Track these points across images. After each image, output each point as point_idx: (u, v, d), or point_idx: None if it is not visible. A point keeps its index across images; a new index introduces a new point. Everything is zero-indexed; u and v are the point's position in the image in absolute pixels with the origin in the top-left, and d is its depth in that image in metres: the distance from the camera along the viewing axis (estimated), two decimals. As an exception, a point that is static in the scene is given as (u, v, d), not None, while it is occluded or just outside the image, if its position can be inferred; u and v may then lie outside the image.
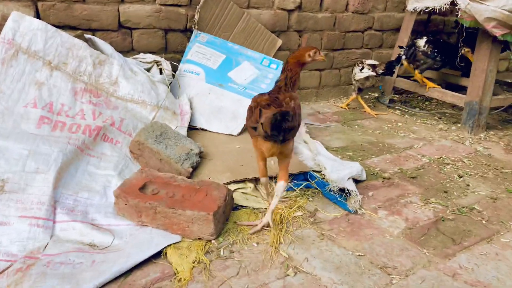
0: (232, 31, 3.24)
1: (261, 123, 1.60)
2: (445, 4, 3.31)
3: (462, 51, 3.42)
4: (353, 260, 1.68)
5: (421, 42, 3.51)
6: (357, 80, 3.60)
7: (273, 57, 3.39)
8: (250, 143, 2.56)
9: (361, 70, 3.55)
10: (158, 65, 2.84)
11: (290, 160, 1.83)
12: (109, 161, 2.11)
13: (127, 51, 2.98)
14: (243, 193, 2.11)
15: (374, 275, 1.60)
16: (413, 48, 3.54)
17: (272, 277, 1.55)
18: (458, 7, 3.03)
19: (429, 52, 3.47)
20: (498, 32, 2.97)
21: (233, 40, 3.23)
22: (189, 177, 2.10)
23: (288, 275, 1.57)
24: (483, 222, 2.02)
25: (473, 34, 3.27)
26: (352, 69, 3.70)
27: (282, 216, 1.95)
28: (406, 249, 1.78)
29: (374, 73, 3.46)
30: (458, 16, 3.11)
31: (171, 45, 3.13)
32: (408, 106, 3.97)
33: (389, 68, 3.45)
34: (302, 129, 2.99)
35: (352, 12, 3.85)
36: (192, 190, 1.87)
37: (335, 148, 2.90)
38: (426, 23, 4.28)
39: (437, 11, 3.41)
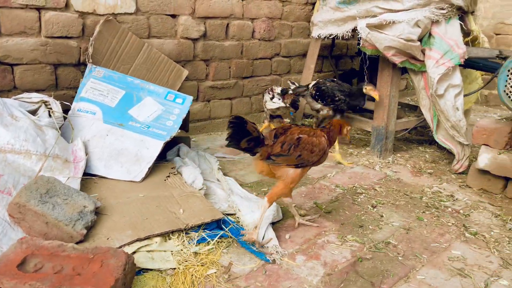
0: (132, 63, 3.00)
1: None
2: (347, 32, 3.38)
3: (364, 90, 3.21)
4: (272, 325, 1.53)
5: (311, 84, 3.36)
6: (269, 109, 3.53)
7: (180, 87, 3.21)
8: (156, 190, 2.34)
9: (271, 99, 3.48)
10: (46, 106, 2.51)
11: (284, 189, 2.05)
12: (-19, 231, 1.76)
13: (8, 90, 2.61)
14: (148, 251, 1.87)
15: None
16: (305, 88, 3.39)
17: None
18: (359, 36, 3.10)
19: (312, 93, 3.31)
20: (397, 60, 3.08)
21: (135, 73, 2.99)
22: (82, 241, 1.82)
23: None
24: (399, 258, 1.99)
25: (376, 60, 3.37)
26: (263, 96, 3.63)
27: (194, 276, 1.75)
28: (326, 301, 1.67)
29: (283, 104, 3.41)
30: (360, 45, 3.18)
31: (62, 81, 2.81)
32: (319, 131, 3.99)
33: (293, 104, 3.39)
34: (215, 165, 2.82)
35: (259, 39, 3.80)
36: (85, 261, 1.60)
37: (250, 183, 2.77)
38: (331, 47, 4.39)
39: (340, 37, 3.48)
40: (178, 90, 3.21)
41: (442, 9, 3.05)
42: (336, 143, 3.19)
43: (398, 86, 3.32)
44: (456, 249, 2.09)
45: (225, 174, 2.88)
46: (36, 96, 2.53)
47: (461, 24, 3.19)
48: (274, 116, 3.63)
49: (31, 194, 1.85)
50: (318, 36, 3.65)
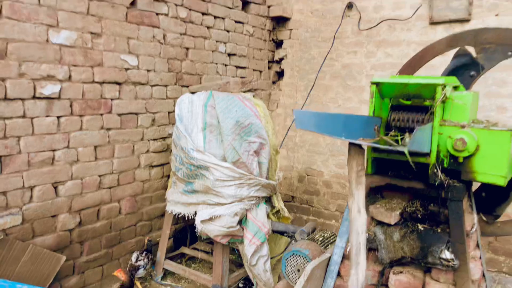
0: (18, 264, 3.80)
1: None
2: (191, 213, 4.65)
3: None
4: None
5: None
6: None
7: (60, 269, 4.07)
8: None
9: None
10: None
11: None
12: None
13: None
14: None
15: None
16: None
17: None
18: (196, 229, 4.38)
19: None
20: (224, 241, 4.41)
21: (22, 269, 3.79)
22: None
23: None
24: None
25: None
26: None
27: None
28: None
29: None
30: (198, 233, 4.47)
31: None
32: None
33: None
34: None
35: (125, 215, 4.86)
36: None
37: None
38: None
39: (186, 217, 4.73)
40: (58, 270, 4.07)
41: (253, 200, 4.52)
42: None
43: (228, 255, 4.65)
44: None
45: None
46: None
47: (269, 200, 4.72)
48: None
49: None
50: (170, 211, 4.86)
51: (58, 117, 4.03)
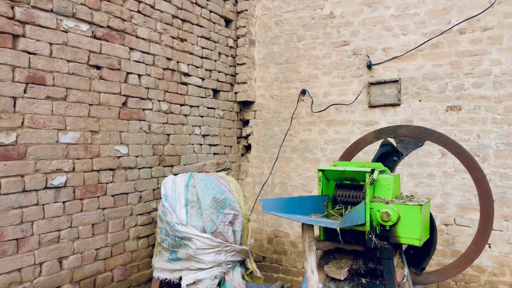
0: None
1: None
2: (176, 278, 5.37)
3: None
4: None
5: None
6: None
7: None
8: None
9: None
10: None
11: None
12: None
13: None
14: None
15: None
16: None
17: None
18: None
19: None
20: (206, 302, 5.14)
21: None
22: None
23: None
24: None
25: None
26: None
27: None
28: None
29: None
30: (184, 296, 5.19)
31: None
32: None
33: None
34: None
35: (117, 282, 5.52)
36: None
37: None
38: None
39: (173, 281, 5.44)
40: None
41: (229, 264, 5.32)
42: None
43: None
44: None
45: None
46: None
47: (244, 262, 5.51)
48: None
49: None
50: (157, 277, 5.56)
51: (64, 202, 4.79)
